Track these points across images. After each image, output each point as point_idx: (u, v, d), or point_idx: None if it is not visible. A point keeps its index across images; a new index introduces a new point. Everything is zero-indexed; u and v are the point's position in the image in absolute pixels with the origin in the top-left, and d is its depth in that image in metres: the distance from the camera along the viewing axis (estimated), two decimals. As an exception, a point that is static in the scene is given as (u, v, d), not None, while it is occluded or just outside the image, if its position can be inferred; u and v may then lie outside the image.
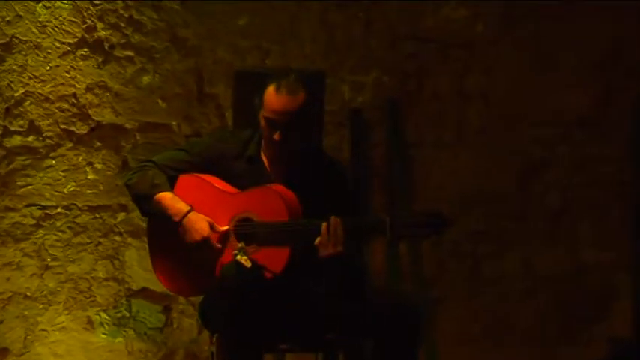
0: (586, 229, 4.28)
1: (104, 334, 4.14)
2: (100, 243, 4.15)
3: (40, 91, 4.09)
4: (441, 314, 4.22)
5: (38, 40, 4.09)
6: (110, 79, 4.13)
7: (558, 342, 4.25)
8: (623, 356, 4.21)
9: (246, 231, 3.07)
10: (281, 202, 3.05)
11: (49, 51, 4.10)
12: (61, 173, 4.13)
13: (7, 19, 4.07)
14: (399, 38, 4.22)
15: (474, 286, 4.25)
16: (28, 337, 4.08)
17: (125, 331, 4.15)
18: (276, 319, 3.04)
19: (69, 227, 4.14)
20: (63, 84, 4.10)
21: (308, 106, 3.09)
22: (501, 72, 4.26)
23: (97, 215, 4.15)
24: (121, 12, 4.13)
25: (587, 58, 4.27)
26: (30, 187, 4.11)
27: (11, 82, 4.08)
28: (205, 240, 3.07)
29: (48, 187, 4.12)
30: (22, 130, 4.11)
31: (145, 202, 3.16)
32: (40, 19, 4.08)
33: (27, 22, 4.08)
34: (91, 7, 4.11)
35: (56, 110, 4.12)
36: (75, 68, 4.12)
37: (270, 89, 3.10)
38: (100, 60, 4.13)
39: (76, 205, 4.14)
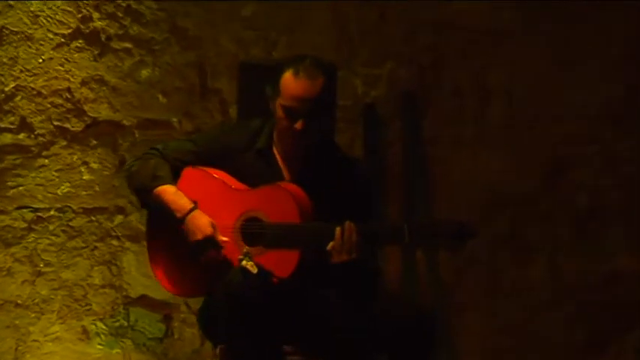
0: (617, 233, 4.20)
1: (100, 344, 4.15)
2: (95, 248, 4.16)
3: (32, 85, 4.10)
4: (460, 326, 4.20)
5: (30, 31, 4.10)
6: (107, 73, 4.13)
7: (585, 355, 4.20)
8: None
9: (253, 231, 3.07)
10: (293, 203, 3.06)
11: (42, 42, 4.10)
12: (54, 173, 4.14)
13: (-3, 8, 4.09)
14: (416, 28, 4.18)
15: (495, 295, 4.20)
16: (19, 348, 4.11)
17: (123, 341, 4.16)
18: (285, 329, 3.05)
19: (63, 231, 4.15)
20: (56, 78, 4.11)
21: (326, 92, 3.11)
22: (526, 65, 4.19)
23: (93, 218, 4.15)
24: (119, 1, 4.11)
25: (618, 50, 4.19)
26: (21, 187, 4.12)
27: (1, 75, 4.08)
28: (209, 240, 3.08)
29: (40, 187, 4.13)
30: (12, 127, 4.12)
31: (145, 194, 3.17)
32: (31, 9, 4.07)
33: (18, 11, 4.08)
34: (87, -4, 4.13)
35: (49, 106, 4.12)
36: (69, 61, 4.12)
37: (288, 75, 3.10)
38: (96, 52, 4.13)
39: (70, 207, 4.15)
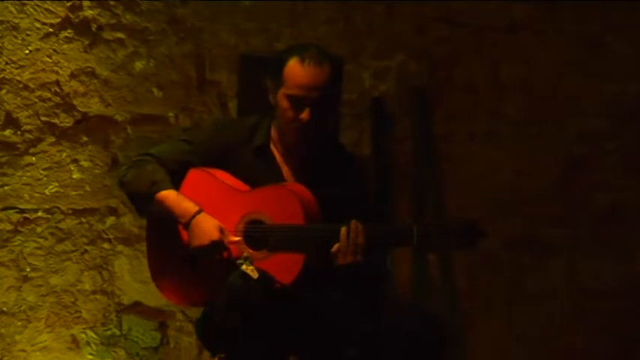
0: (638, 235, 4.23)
1: (91, 354, 4.14)
2: (86, 251, 4.15)
3: (18, 78, 4.08)
4: (474, 334, 4.21)
5: (16, 21, 4.07)
6: (98, 65, 4.12)
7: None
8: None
9: (256, 233, 3.07)
10: (297, 204, 3.05)
11: (29, 33, 4.08)
12: (41, 172, 4.12)
13: (-20, -4, 4.10)
14: (427, 20, 4.20)
15: (511, 300, 4.22)
16: (4, 358, 4.07)
17: (115, 351, 4.15)
18: (288, 336, 3.02)
19: (51, 233, 4.13)
20: (44, 70, 4.09)
21: (332, 82, 3.09)
22: (543, 59, 4.21)
23: (83, 219, 4.14)
24: (111, -12, 4.18)
25: (636, 45, 4.20)
26: (6, 187, 4.10)
27: (-15, 68, 4.14)
28: (216, 245, 3.06)
29: (27, 187, 4.11)
30: (-3, 122, 4.17)
31: (145, 201, 3.15)
32: (18, -3, 4.12)
33: (3, -1, 4.10)
34: (77, -17, 4.19)
35: (36, 100, 4.11)
36: (58, 52, 4.11)
37: (293, 63, 3.07)
38: (87, 43, 4.12)
39: (59, 207, 4.13)
